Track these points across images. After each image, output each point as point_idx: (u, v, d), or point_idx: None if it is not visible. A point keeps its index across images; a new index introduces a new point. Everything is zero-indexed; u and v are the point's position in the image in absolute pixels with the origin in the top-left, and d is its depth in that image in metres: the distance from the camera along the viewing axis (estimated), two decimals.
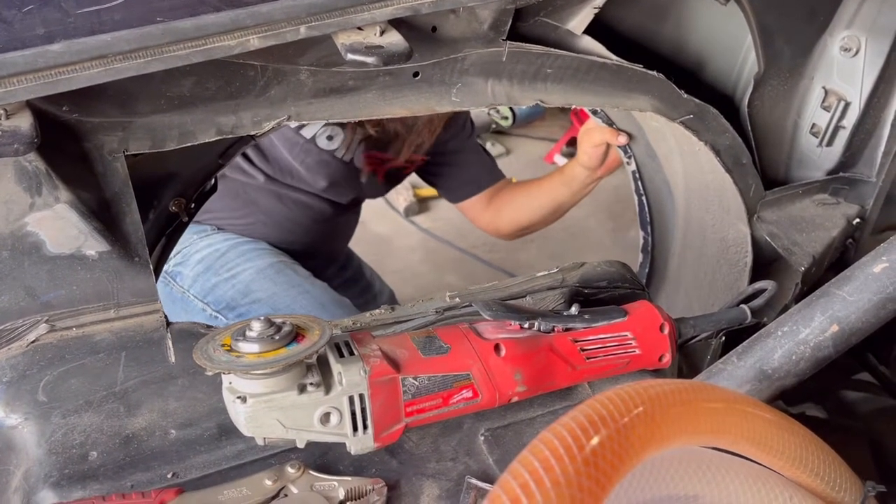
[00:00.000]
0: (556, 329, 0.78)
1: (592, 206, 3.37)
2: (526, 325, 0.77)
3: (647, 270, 1.57)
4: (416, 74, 0.85)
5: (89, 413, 0.72)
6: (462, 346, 0.73)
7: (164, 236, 0.99)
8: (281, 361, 0.64)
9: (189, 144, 0.81)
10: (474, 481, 0.70)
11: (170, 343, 0.77)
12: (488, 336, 0.75)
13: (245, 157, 1.59)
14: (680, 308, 1.49)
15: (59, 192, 0.73)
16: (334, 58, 0.79)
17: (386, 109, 0.89)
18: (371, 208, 2.16)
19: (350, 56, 0.71)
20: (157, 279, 0.99)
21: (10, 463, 0.71)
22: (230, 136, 0.83)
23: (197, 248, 1.55)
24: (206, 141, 0.82)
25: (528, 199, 1.87)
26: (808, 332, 0.71)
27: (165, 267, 1.53)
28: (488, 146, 3.70)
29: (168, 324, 0.79)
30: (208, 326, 0.80)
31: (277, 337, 0.66)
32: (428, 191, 3.04)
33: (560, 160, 3.65)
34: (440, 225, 2.39)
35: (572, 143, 3.59)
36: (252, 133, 0.85)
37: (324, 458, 0.73)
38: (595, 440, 0.38)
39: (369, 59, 0.71)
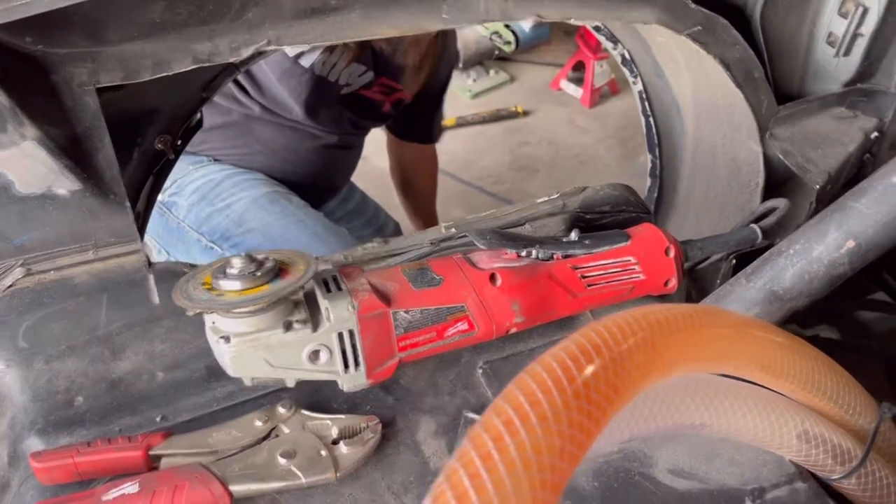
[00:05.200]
0: (555, 256, 0.74)
1: (601, 132, 3.30)
2: (523, 254, 0.74)
3: (655, 195, 1.52)
4: None
5: (73, 358, 0.70)
6: (456, 278, 0.70)
7: (151, 175, 0.96)
8: (264, 298, 0.61)
9: (164, 74, 0.77)
10: (472, 415, 0.68)
11: (152, 283, 0.74)
12: (483, 266, 0.72)
13: (241, 88, 1.55)
14: (690, 233, 1.44)
15: (25, 129, 0.69)
16: None
17: (372, 30, 0.83)
18: (374, 143, 2.12)
19: None
20: (146, 219, 0.96)
21: None
22: (207, 63, 0.79)
23: (192, 178, 1.53)
24: (183, 70, 0.78)
25: (420, 190, 2.24)
26: (821, 249, 0.67)
27: (160, 197, 1.52)
28: (491, 74, 3.60)
29: (150, 263, 0.75)
30: (191, 265, 0.77)
31: (259, 273, 0.63)
32: None
33: (566, 86, 3.54)
34: (444, 157, 2.33)
35: (578, 67, 3.48)
36: (231, 60, 0.80)
37: (316, 397, 0.70)
38: (588, 371, 0.34)
39: None
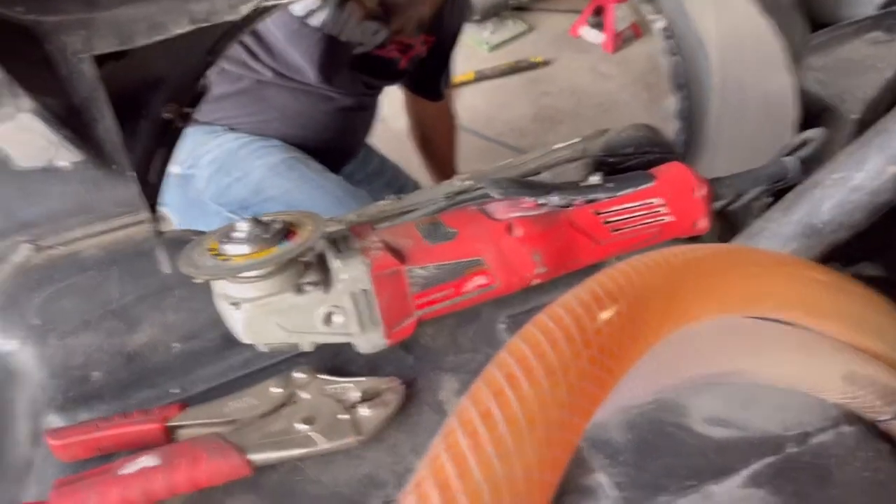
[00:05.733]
0: (575, 202, 0.71)
1: (624, 77, 3.20)
2: (542, 201, 0.70)
3: (683, 137, 1.46)
4: None
5: (87, 333, 0.69)
6: (471, 230, 0.67)
7: (162, 146, 0.94)
8: (271, 261, 0.59)
9: (161, 38, 0.74)
10: None
11: (163, 253, 0.72)
12: (500, 216, 0.69)
13: (251, 53, 1.52)
14: (721, 175, 1.39)
15: (20, 101, 0.67)
16: None
17: None
18: (392, 105, 2.07)
19: None
20: (159, 190, 0.95)
21: (13, 389, 0.68)
22: (206, 24, 0.76)
23: (208, 148, 1.51)
24: (181, 32, 0.75)
25: (441, 150, 2.19)
26: (862, 176, 0.62)
27: (179, 170, 1.51)
28: (508, 24, 3.51)
29: (160, 233, 0.74)
30: (201, 233, 0.75)
31: (266, 236, 0.60)
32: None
33: (586, 32, 3.44)
34: (465, 114, 2.28)
35: (598, 12, 3.37)
36: (230, 18, 0.77)
37: (335, 361, 0.68)
38: (601, 318, 0.31)
39: None
